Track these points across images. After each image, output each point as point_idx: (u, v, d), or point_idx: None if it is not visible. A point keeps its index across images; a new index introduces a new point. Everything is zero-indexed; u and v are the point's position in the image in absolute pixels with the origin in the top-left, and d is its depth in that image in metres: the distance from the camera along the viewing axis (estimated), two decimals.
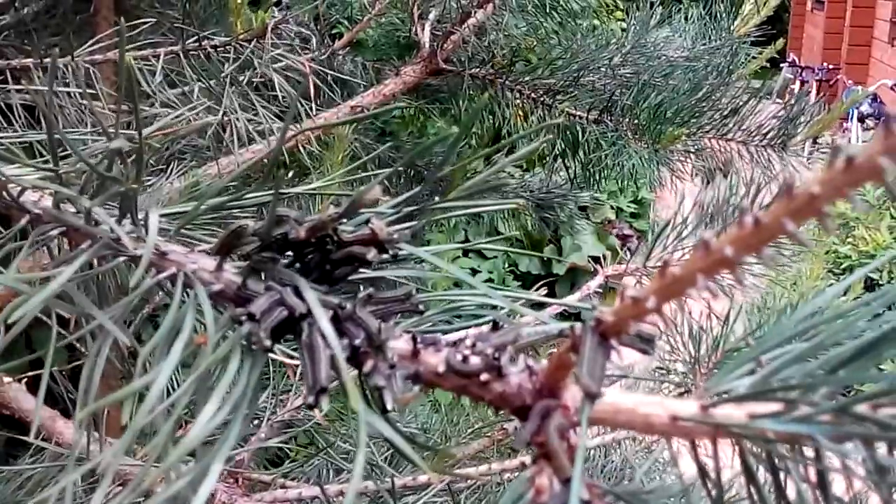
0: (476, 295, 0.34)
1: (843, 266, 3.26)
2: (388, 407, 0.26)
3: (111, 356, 0.36)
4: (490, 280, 3.18)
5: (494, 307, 0.37)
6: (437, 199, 0.35)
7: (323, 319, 0.26)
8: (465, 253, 3.07)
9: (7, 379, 0.87)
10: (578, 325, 0.27)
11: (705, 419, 0.28)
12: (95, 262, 0.41)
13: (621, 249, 3.42)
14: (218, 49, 0.84)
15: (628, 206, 3.89)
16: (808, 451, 0.29)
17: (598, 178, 1.10)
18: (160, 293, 0.37)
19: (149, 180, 0.82)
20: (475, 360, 0.31)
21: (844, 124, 5.03)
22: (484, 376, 0.30)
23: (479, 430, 1.37)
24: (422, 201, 0.35)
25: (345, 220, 0.34)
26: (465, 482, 0.82)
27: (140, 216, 0.38)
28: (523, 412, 0.30)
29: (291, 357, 0.66)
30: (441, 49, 1.18)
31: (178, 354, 0.25)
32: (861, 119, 5.00)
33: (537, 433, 0.28)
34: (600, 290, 0.87)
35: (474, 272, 3.28)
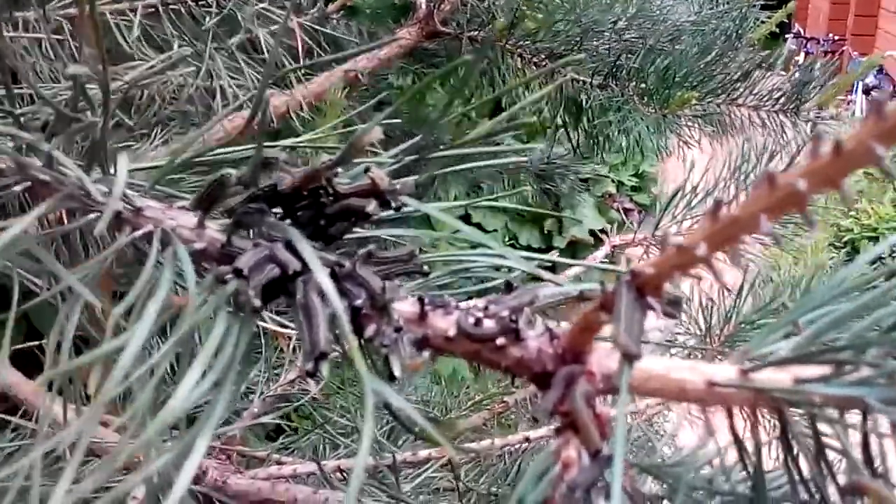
0: (489, 255, 0.31)
1: (844, 239, 3.24)
2: (396, 374, 0.23)
3: (83, 320, 0.33)
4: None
5: (505, 270, 0.34)
6: (441, 147, 0.32)
7: (321, 274, 0.23)
8: (466, 220, 3.04)
9: None
10: (610, 283, 0.23)
11: (745, 384, 0.25)
12: (65, 220, 0.37)
13: (620, 223, 3.39)
14: (200, 3, 0.79)
15: (629, 180, 3.85)
16: (852, 417, 0.26)
17: (602, 145, 1.06)
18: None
19: (131, 144, 0.78)
20: (489, 324, 0.27)
21: (849, 96, 4.98)
22: (500, 340, 0.26)
23: (480, 402, 1.35)
24: (418, 150, 0.31)
25: (340, 171, 0.31)
26: (467, 456, 0.79)
27: (112, 170, 0.34)
28: (544, 379, 0.26)
29: (284, 327, 0.63)
30: (438, 10, 1.13)
31: (152, 315, 0.22)
32: (866, 91, 4.93)
33: (561, 402, 0.25)
34: (606, 260, 0.84)
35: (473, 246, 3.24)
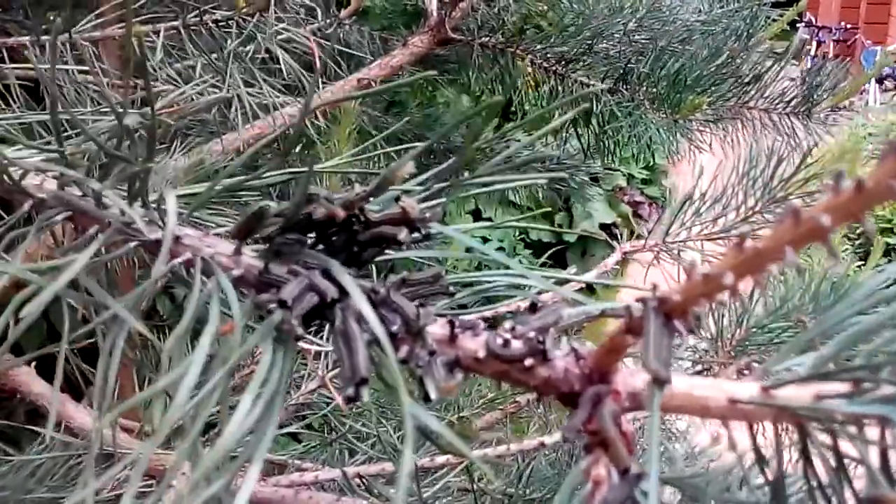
0: (510, 276, 0.32)
1: (857, 231, 3.22)
2: (432, 396, 0.24)
3: (123, 346, 0.34)
4: (501, 248, 3.16)
5: (524, 287, 0.35)
6: (465, 174, 0.33)
7: (362, 303, 0.24)
8: (475, 220, 3.05)
9: (16, 361, 0.85)
10: (635, 305, 0.24)
11: (767, 401, 0.26)
12: (103, 248, 0.39)
13: (633, 216, 3.39)
14: (220, 24, 0.80)
15: (640, 173, 3.85)
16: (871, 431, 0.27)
17: (612, 149, 1.07)
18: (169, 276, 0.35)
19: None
20: (517, 344, 0.28)
21: (862, 86, 4.93)
22: (528, 361, 0.28)
23: (493, 400, 1.36)
24: (447, 177, 0.32)
25: (371, 199, 0.32)
26: (488, 464, 0.81)
27: (151, 199, 0.36)
28: (570, 398, 0.28)
29: (309, 342, 0.65)
30: (449, 17, 1.14)
31: (206, 347, 0.23)
32: (880, 80, 4.88)
33: (589, 420, 0.26)
34: (617, 267, 0.85)
35: (485, 240, 3.26)
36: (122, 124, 0.29)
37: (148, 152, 0.27)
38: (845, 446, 0.28)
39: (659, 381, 0.22)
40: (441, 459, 0.73)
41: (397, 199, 0.30)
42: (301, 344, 0.66)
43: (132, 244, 0.35)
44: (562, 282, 0.38)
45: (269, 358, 0.24)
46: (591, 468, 0.24)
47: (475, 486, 0.80)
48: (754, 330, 0.76)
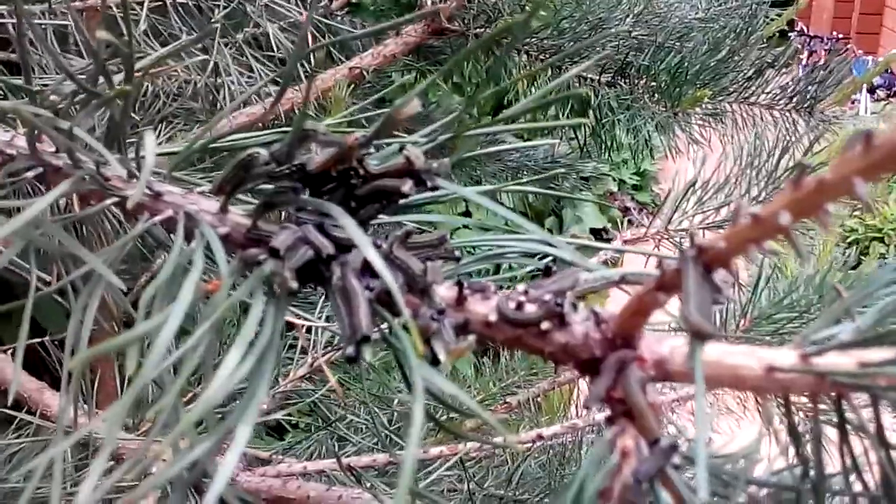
0: (531, 241, 0.29)
1: (849, 239, 3.23)
2: (441, 358, 0.22)
3: (100, 317, 0.32)
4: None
5: (536, 255, 0.33)
6: (474, 122, 0.30)
7: (369, 250, 0.21)
8: (467, 214, 3.03)
9: None
10: (669, 260, 0.22)
11: (808, 369, 0.24)
12: (77, 206, 0.36)
13: (622, 221, 3.38)
14: None
15: (630, 178, 3.85)
16: None
17: (609, 145, 1.05)
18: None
19: (133, 141, 0.76)
20: (531, 308, 0.26)
21: (853, 95, 4.97)
22: (544, 325, 0.25)
23: (482, 402, 1.33)
24: (459, 129, 0.30)
25: (371, 151, 0.29)
26: (498, 451, 0.78)
27: (131, 154, 0.33)
28: (590, 366, 0.25)
29: (298, 316, 0.62)
30: (444, 7, 1.12)
31: (188, 296, 0.21)
32: (871, 90, 4.91)
33: (613, 388, 0.24)
34: (617, 256, 0.83)
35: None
36: (97, 60, 0.26)
37: (126, 78, 0.24)
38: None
39: (702, 336, 0.20)
40: (435, 451, 0.70)
41: (401, 148, 0.28)
42: (293, 320, 0.63)
43: (109, 201, 0.32)
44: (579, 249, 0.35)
45: (260, 311, 0.22)
46: (616, 439, 0.22)
47: (468, 482, 0.78)
48: (758, 320, 0.74)
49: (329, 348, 0.73)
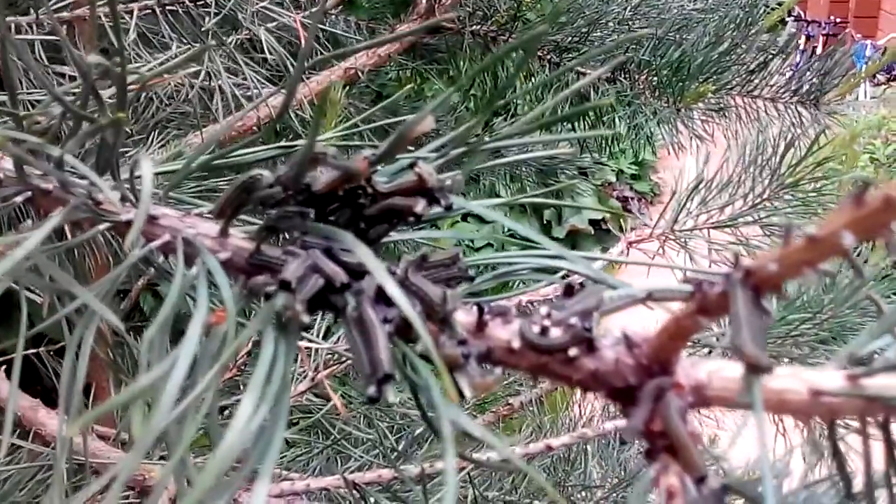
0: (543, 257, 0.28)
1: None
2: (466, 394, 0.20)
3: (94, 345, 0.30)
4: (490, 245, 3.12)
5: (547, 271, 0.31)
6: (486, 138, 0.29)
7: (387, 281, 0.20)
8: (464, 217, 3.01)
9: None
10: (708, 280, 0.20)
11: (857, 392, 0.22)
12: (69, 234, 0.34)
13: (622, 217, 3.37)
14: (198, 3, 0.76)
15: (629, 168, 3.84)
16: None
17: (610, 141, 1.03)
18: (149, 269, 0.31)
19: (127, 151, 0.74)
20: (556, 332, 0.24)
21: (860, 80, 4.95)
22: (572, 351, 0.24)
23: (482, 405, 1.32)
24: (472, 143, 0.28)
25: (380, 168, 0.28)
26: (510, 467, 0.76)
27: (124, 176, 0.31)
28: (625, 394, 0.24)
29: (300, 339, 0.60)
30: (439, 5, 1.10)
31: (195, 338, 0.19)
32: (871, 75, 4.90)
33: (650, 419, 0.22)
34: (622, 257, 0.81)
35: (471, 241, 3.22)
36: (87, 81, 0.24)
37: (118, 104, 0.23)
38: None
39: (757, 369, 0.18)
40: (440, 465, 0.69)
41: (412, 165, 0.26)
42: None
43: (102, 226, 0.31)
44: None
45: (271, 350, 0.20)
46: (660, 477, 0.20)
47: (473, 489, 0.76)
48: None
49: (329, 365, 0.71)
